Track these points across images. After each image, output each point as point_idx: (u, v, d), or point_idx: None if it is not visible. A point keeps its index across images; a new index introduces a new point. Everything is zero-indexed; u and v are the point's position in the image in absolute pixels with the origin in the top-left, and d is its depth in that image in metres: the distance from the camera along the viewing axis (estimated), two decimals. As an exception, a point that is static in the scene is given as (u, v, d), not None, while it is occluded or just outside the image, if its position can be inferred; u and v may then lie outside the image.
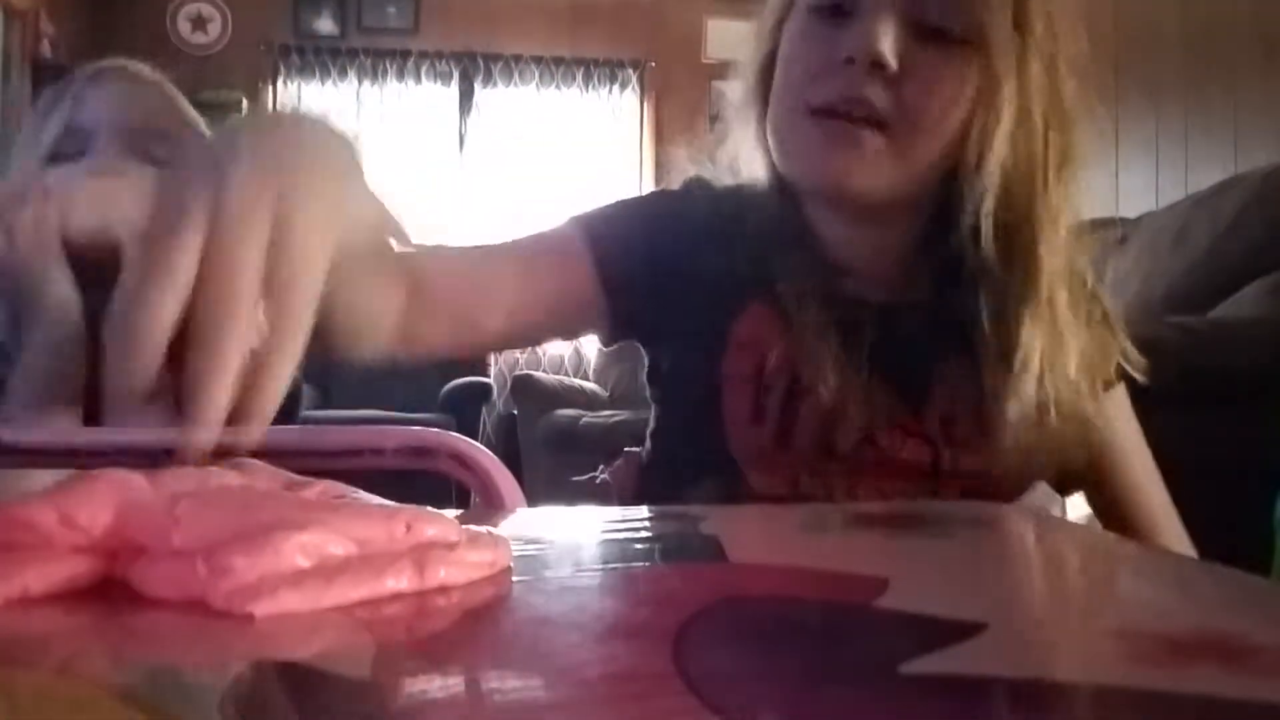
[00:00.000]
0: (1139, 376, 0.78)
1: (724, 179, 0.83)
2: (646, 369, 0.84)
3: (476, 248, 0.76)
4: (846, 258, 0.78)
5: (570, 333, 0.80)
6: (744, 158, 0.81)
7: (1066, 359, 0.72)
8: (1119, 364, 0.78)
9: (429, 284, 0.66)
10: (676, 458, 0.79)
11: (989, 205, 0.72)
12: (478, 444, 0.72)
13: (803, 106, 0.73)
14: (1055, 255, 0.73)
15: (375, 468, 0.77)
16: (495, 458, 0.73)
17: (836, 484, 0.72)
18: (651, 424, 0.84)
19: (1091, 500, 0.82)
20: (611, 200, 0.82)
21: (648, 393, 0.84)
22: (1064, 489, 0.82)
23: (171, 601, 0.30)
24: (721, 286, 0.75)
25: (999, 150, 0.71)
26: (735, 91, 0.83)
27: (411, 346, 0.67)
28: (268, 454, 0.70)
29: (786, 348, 0.73)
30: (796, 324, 0.73)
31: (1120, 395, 0.80)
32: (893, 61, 0.69)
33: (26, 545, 0.31)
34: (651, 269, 0.76)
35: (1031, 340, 0.71)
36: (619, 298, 0.76)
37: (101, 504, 0.31)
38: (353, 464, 0.73)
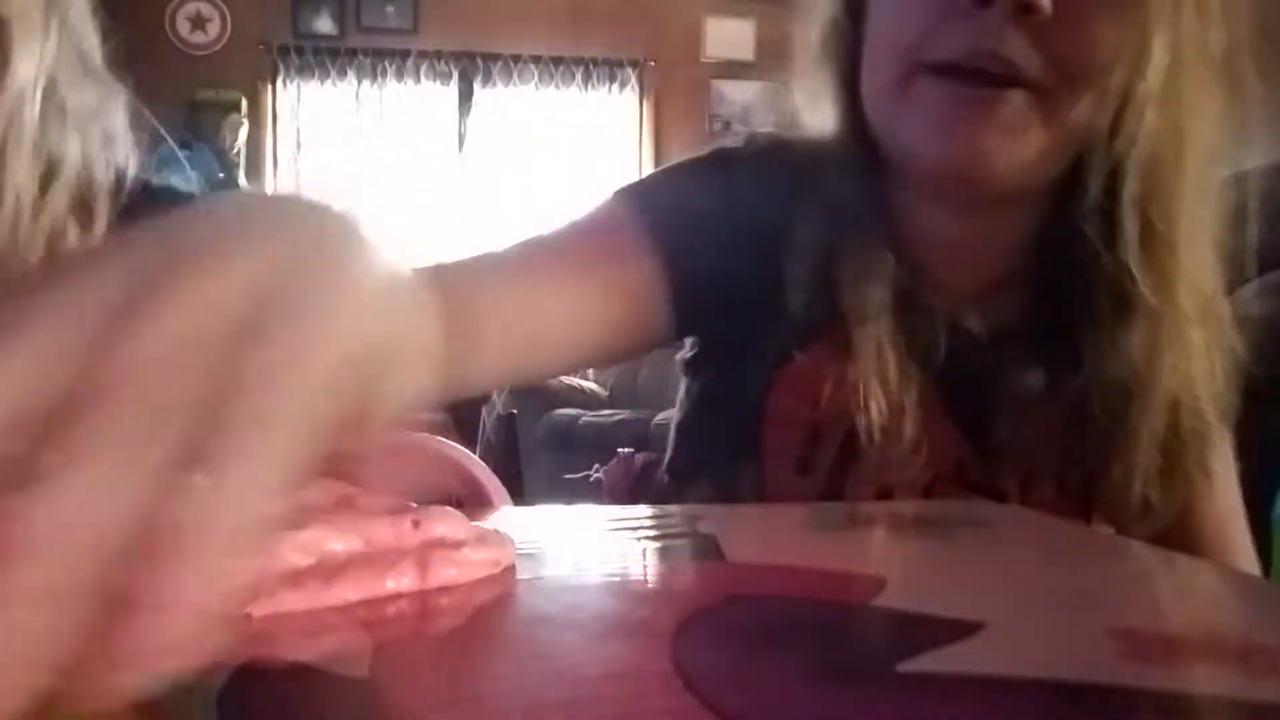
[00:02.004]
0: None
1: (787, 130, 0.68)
2: (687, 357, 0.72)
3: (521, 259, 0.61)
4: (933, 257, 0.64)
5: (631, 350, 0.66)
6: (812, 120, 0.66)
7: (1197, 391, 0.61)
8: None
9: (476, 318, 0.54)
10: (700, 479, 0.68)
11: (1133, 188, 0.58)
12: (457, 445, 0.72)
13: (917, 67, 0.58)
14: (1195, 259, 0.59)
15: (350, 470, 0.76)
16: (475, 457, 0.72)
17: None
18: (678, 415, 0.73)
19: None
20: (661, 172, 0.68)
21: (682, 377, 0.73)
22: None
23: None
24: (781, 306, 0.61)
25: (1150, 120, 0.57)
26: (807, 40, 0.66)
27: (457, 389, 0.55)
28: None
29: (844, 392, 0.60)
30: (860, 358, 0.59)
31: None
32: (1047, 1, 0.54)
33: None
34: (718, 264, 0.62)
35: (1162, 369, 0.59)
36: (685, 297, 0.63)
37: None
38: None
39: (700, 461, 0.70)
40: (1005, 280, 0.64)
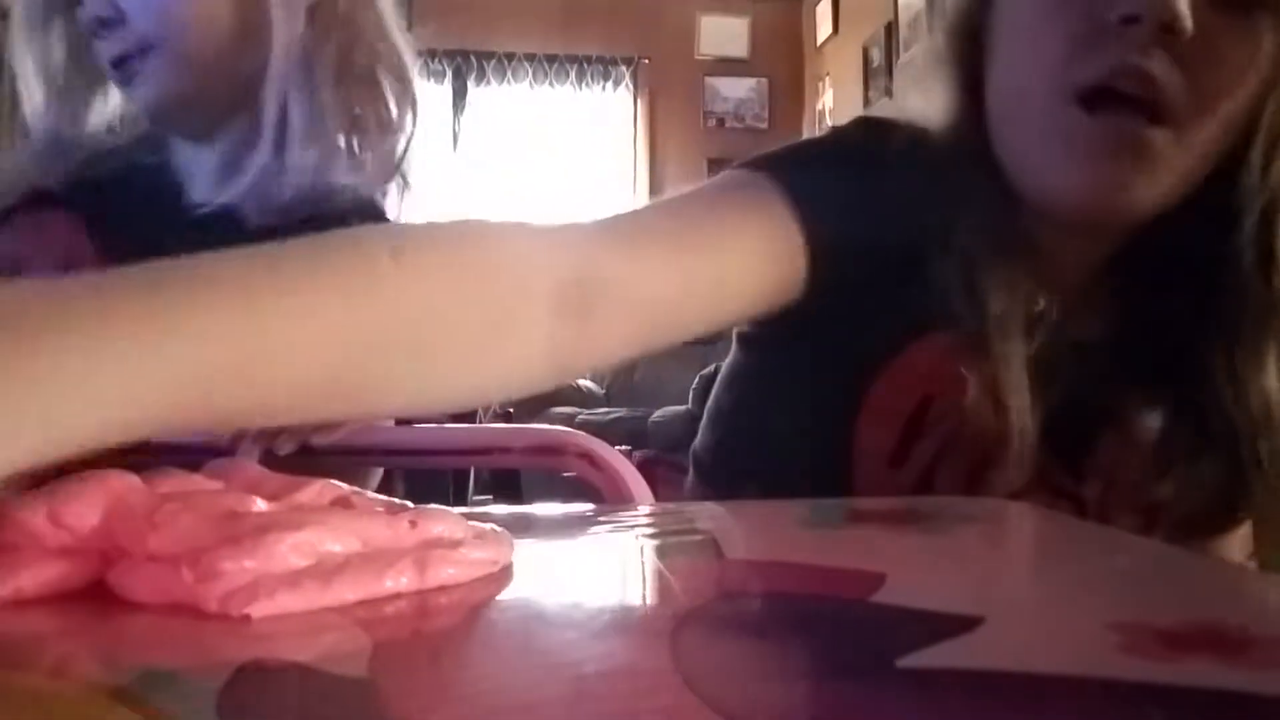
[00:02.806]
0: None
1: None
2: (746, 331, 0.70)
3: (653, 222, 0.59)
4: (1044, 269, 0.63)
5: (769, 305, 0.63)
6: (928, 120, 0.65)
7: None
8: None
9: (609, 294, 0.52)
10: (765, 466, 0.67)
11: None
12: (604, 444, 0.71)
13: (1064, 90, 0.57)
14: None
15: (502, 466, 0.76)
16: (622, 457, 0.71)
17: None
18: (728, 395, 0.72)
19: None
20: (782, 147, 0.66)
21: (736, 349, 0.71)
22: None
23: (164, 603, 0.30)
24: (909, 295, 0.60)
25: None
26: (930, 41, 0.66)
27: (570, 373, 0.54)
28: (402, 453, 0.71)
29: (960, 392, 0.59)
30: (1001, 369, 0.59)
31: None
32: (1188, 22, 0.54)
33: (16, 544, 0.31)
34: (846, 238, 0.60)
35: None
36: (818, 257, 0.60)
37: (89, 504, 0.31)
38: (481, 462, 0.73)
39: (765, 448, 0.68)
40: (1091, 288, 0.64)
